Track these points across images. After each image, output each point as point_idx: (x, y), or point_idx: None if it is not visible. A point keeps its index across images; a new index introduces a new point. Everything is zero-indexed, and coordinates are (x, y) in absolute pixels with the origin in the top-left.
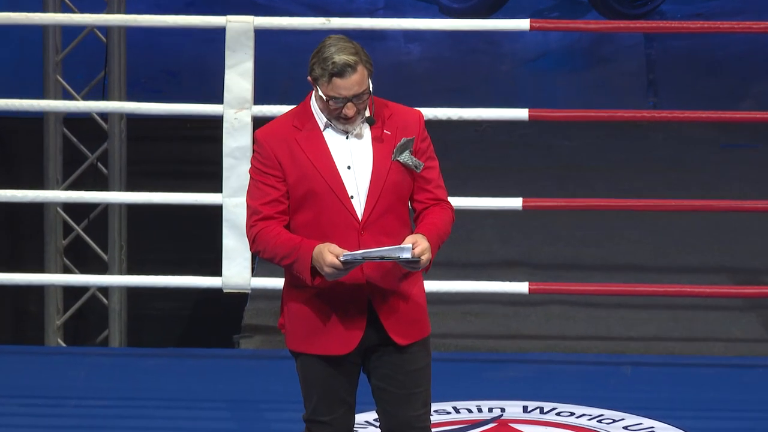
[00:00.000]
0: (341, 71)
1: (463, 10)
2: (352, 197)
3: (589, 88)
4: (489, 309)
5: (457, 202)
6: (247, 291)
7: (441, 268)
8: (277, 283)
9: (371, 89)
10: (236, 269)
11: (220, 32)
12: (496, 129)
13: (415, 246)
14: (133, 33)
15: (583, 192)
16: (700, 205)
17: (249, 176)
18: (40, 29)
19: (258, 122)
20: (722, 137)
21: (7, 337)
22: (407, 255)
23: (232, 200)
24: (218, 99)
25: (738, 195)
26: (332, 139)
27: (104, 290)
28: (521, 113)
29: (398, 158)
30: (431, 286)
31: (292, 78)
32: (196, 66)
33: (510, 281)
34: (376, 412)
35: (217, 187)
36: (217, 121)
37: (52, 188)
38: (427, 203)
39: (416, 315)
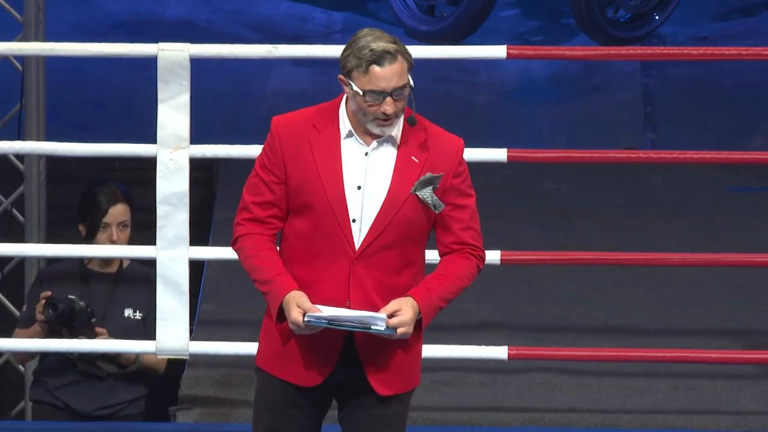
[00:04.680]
0: (380, 58)
1: (431, 34)
2: (353, 221)
3: (577, 122)
4: (463, 377)
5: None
6: (185, 357)
7: None
8: (221, 347)
9: (412, 85)
10: (172, 332)
11: (152, 58)
12: (472, 169)
13: (395, 315)
14: (53, 59)
15: (572, 243)
16: (705, 260)
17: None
18: None
19: (196, 163)
20: (730, 179)
21: None
22: (380, 327)
23: (167, 253)
24: (151, 135)
25: (748, 247)
26: (349, 151)
27: None
28: (499, 154)
29: (417, 192)
30: None
31: (236, 111)
32: (125, 96)
33: (487, 345)
34: None
35: (151, 237)
36: (149, 161)
37: None
38: (450, 248)
39: (407, 363)
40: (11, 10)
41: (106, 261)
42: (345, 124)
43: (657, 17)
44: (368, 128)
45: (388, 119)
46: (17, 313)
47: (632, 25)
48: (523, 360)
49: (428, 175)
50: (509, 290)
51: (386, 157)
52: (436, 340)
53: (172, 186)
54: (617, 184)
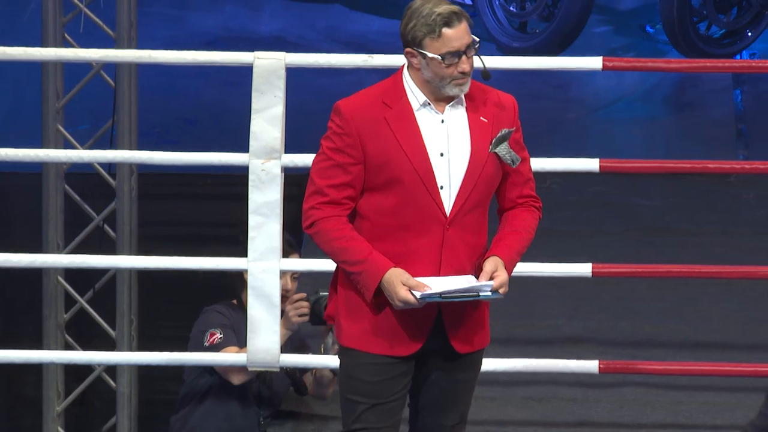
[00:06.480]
0: (449, 20)
1: (524, 50)
2: (441, 188)
3: (669, 138)
4: (554, 392)
5: (516, 268)
6: (275, 369)
7: (499, 344)
8: (312, 360)
9: (478, 40)
10: (263, 344)
11: (243, 75)
12: (563, 186)
13: (494, 278)
14: (145, 76)
15: (664, 259)
16: None
17: (320, 146)
18: (38, 72)
19: (289, 174)
20: None
21: (0, 425)
22: (487, 292)
23: (259, 265)
24: (243, 152)
25: None
26: (426, 121)
27: (112, 371)
28: (591, 164)
29: (496, 150)
30: (486, 365)
31: (326, 126)
32: (217, 114)
33: (578, 359)
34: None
35: (242, 253)
36: (241, 177)
37: (52, 253)
38: (515, 202)
39: (480, 322)
40: (103, 26)
41: None
42: (415, 96)
43: (750, 34)
44: (446, 92)
45: (465, 77)
46: (109, 329)
47: (725, 41)
48: (614, 375)
49: (503, 131)
50: (600, 306)
51: (460, 121)
52: (527, 354)
53: (265, 196)
54: (709, 201)
